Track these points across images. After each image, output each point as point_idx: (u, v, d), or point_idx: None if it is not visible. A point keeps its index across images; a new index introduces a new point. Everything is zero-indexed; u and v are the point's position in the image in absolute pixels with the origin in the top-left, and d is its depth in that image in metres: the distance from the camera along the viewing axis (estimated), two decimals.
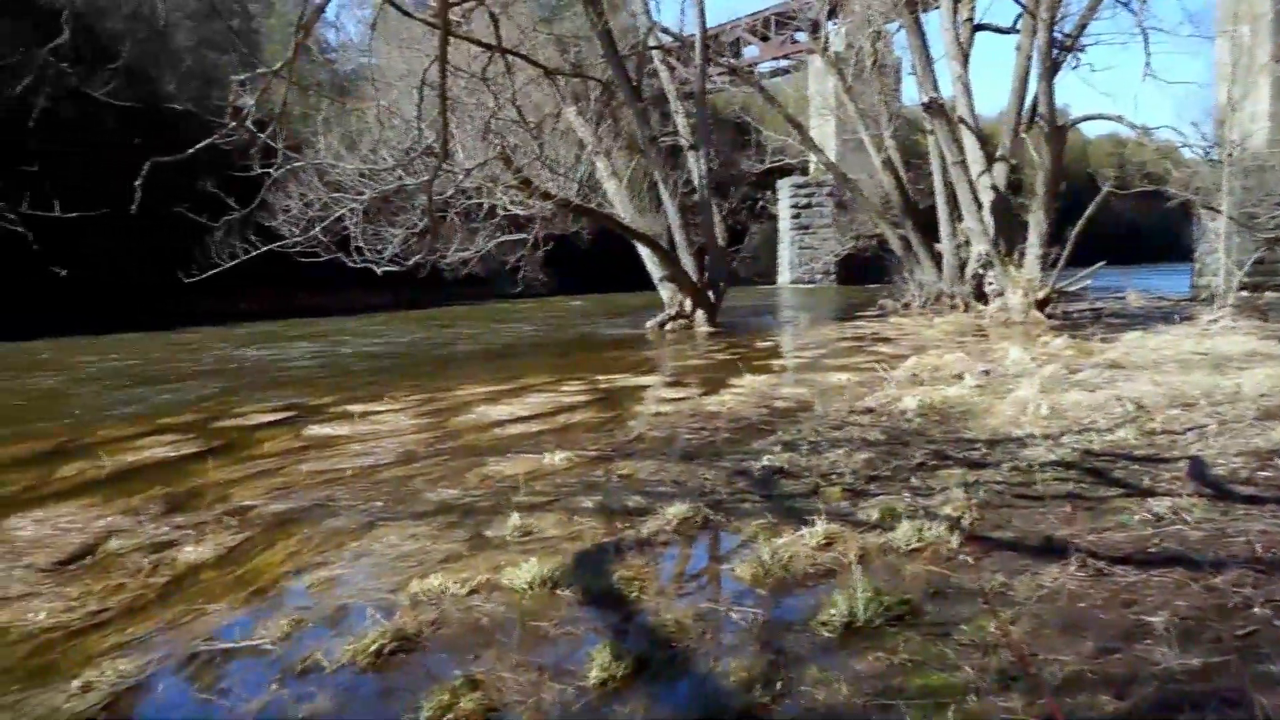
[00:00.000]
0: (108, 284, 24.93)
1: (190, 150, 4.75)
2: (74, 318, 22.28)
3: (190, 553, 4.34)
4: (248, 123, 5.09)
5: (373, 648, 3.11)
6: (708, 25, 19.91)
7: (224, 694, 2.92)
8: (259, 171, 6.87)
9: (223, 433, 7.69)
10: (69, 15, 4.83)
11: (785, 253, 46.17)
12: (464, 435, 7.27)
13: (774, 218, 45.06)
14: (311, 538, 4.55)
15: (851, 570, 3.61)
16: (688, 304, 18.40)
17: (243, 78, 5.18)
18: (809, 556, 3.89)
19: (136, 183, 4.68)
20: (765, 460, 5.77)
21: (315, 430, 7.55)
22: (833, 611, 3.25)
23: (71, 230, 5.63)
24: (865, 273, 36.32)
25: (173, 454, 6.87)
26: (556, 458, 6.08)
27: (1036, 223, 17.50)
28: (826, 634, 3.16)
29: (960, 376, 9.09)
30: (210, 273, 9.72)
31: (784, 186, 44.77)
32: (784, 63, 48.53)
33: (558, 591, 3.64)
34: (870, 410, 7.59)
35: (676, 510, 4.56)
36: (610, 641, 3.08)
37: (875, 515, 4.43)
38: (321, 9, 4.61)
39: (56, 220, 5.10)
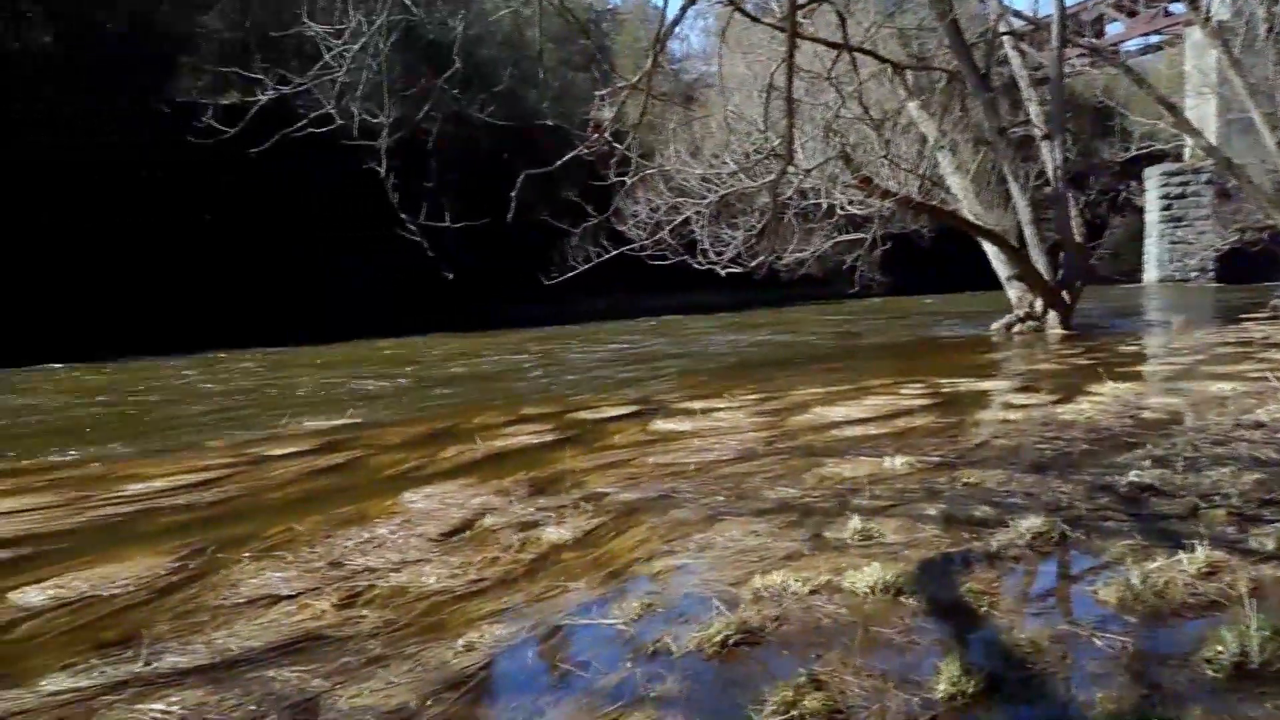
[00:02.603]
0: (475, 287, 27.63)
1: (558, 163, 5.17)
2: (449, 318, 24.97)
3: (552, 533, 4.71)
4: (606, 134, 5.44)
5: (718, 638, 3.21)
6: (1066, 3, 18.51)
7: (583, 666, 3.14)
8: (614, 180, 7.32)
9: (578, 424, 8.29)
10: (459, 47, 5.40)
11: (1152, 248, 41.80)
12: (801, 435, 7.30)
13: (1139, 210, 40.92)
14: (658, 527, 4.77)
15: (1242, 604, 3.20)
16: (1038, 304, 17.21)
17: (603, 92, 5.56)
18: (1187, 585, 3.50)
19: (512, 193, 5.15)
20: (1132, 476, 5.27)
21: (660, 425, 7.92)
22: (1219, 648, 2.90)
23: (454, 239, 6.30)
24: (1252, 270, 31.99)
25: (535, 441, 7.51)
26: (896, 462, 5.94)
27: None
28: (1211, 673, 2.83)
29: None
30: (568, 275, 10.49)
31: (1152, 175, 40.55)
32: (1154, 39, 43.96)
33: (901, 599, 3.56)
34: (1261, 425, 6.69)
35: (1029, 524, 4.29)
36: (958, 655, 2.96)
37: (1271, 544, 3.90)
38: (676, 23, 4.85)
39: (443, 230, 5.76)
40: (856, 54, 9.68)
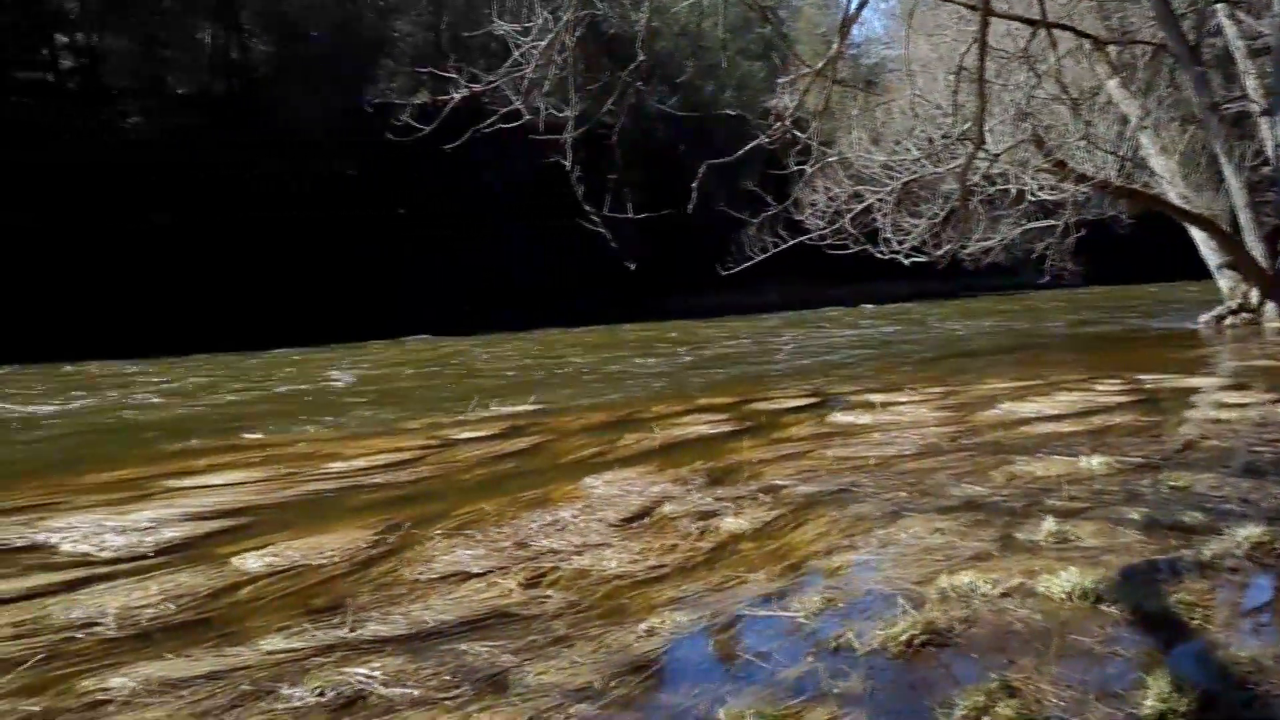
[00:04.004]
0: (651, 278, 27.91)
1: (740, 152, 5.16)
2: (626, 308, 25.38)
3: (730, 523, 4.72)
4: (787, 122, 5.38)
5: (903, 637, 3.14)
6: None
7: (764, 658, 3.13)
8: (794, 169, 7.24)
9: (754, 415, 8.26)
10: (642, 40, 5.47)
11: None
12: (988, 431, 7.02)
13: None
14: (838, 521, 4.70)
15: None
16: (1254, 295, 15.86)
17: (785, 79, 5.50)
18: None
19: (693, 184, 5.18)
20: None
21: (838, 417, 7.79)
22: None
23: (632, 230, 6.38)
24: None
25: (711, 431, 7.53)
26: (1093, 462, 5.61)
27: None
28: None
29: None
30: (745, 265, 10.45)
31: None
32: None
33: (1100, 606, 3.36)
34: None
35: (1247, 532, 3.96)
36: (1168, 670, 2.77)
37: None
38: (863, 6, 4.74)
39: (622, 221, 5.84)
40: (1053, 30, 9.18)
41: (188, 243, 22.73)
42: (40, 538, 4.92)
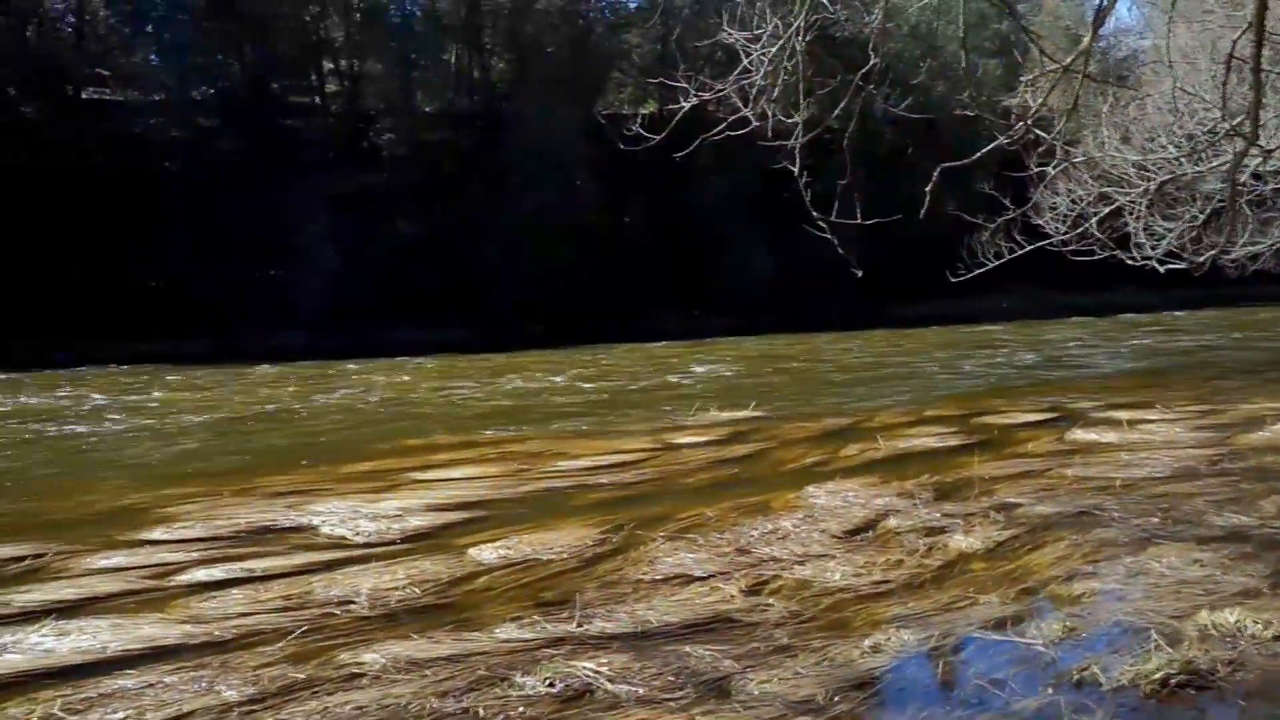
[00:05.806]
0: (873, 285, 27.13)
1: (977, 154, 4.95)
2: (847, 316, 24.82)
3: (960, 541, 4.53)
4: (1030, 121, 5.10)
5: (1157, 675, 2.90)
6: None
7: (998, 685, 2.99)
8: (1034, 170, 6.85)
9: (984, 428, 7.88)
10: (875, 43, 5.36)
11: None
12: (1255, 455, 6.38)
13: None
14: (1080, 545, 4.42)
15: None
16: None
17: (1030, 77, 5.22)
18: None
19: (926, 188, 5.00)
20: None
21: (1079, 434, 7.31)
22: None
23: (857, 237, 6.23)
24: None
25: (938, 444, 7.26)
26: None
27: None
28: None
29: None
30: (977, 272, 9.97)
31: None
32: None
33: None
34: None
35: None
36: None
37: None
38: None
39: (846, 227, 5.71)
40: None
41: (432, 249, 24.18)
42: (304, 520, 5.40)
